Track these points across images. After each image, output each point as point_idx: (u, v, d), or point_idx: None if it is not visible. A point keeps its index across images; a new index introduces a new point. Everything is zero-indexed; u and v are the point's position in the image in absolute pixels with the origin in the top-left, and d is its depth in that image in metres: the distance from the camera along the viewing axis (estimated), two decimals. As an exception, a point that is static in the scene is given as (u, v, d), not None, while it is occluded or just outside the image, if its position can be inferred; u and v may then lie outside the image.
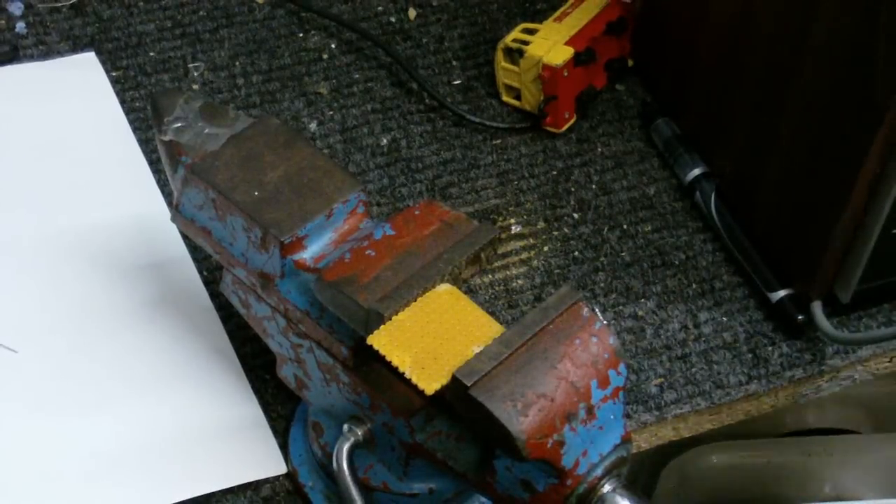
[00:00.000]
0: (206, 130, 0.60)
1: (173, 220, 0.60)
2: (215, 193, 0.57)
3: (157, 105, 0.63)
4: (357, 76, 0.88)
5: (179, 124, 0.61)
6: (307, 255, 0.57)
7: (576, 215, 0.81)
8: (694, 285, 0.77)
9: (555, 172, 0.83)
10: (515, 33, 0.85)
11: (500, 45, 0.85)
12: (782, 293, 0.75)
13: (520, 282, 0.77)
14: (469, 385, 0.50)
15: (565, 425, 0.49)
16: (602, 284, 0.77)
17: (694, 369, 0.73)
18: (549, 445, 0.49)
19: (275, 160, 0.58)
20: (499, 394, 0.49)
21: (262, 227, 0.56)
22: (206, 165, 0.58)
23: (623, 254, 0.79)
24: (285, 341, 0.60)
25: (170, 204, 0.76)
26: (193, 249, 0.75)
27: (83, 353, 0.70)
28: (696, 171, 0.81)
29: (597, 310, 0.75)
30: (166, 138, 0.61)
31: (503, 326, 0.53)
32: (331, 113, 0.85)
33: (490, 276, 0.77)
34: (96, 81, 0.85)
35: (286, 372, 0.61)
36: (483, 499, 0.60)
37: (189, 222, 0.60)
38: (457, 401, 0.51)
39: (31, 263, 0.74)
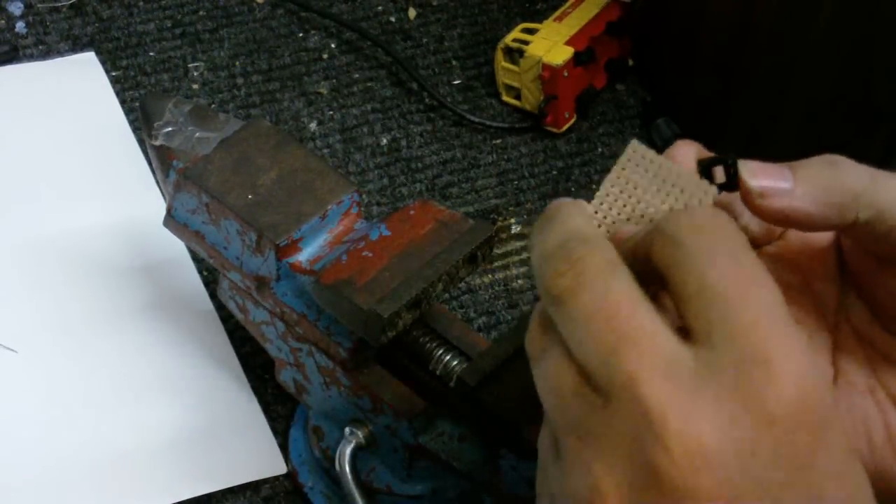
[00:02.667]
0: (197, 134, 0.60)
1: (166, 224, 0.60)
2: (208, 198, 0.57)
3: (146, 110, 0.63)
4: (357, 76, 0.88)
5: (169, 129, 0.61)
6: (303, 257, 0.57)
7: (576, 215, 0.80)
8: (694, 285, 0.77)
9: (555, 172, 0.83)
10: (515, 33, 0.85)
11: (500, 45, 0.85)
12: (782, 293, 0.74)
13: (520, 282, 0.77)
14: (473, 385, 0.50)
15: None
16: (602, 285, 0.77)
17: (694, 370, 0.73)
18: None
19: (267, 163, 0.58)
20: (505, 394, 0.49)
21: (257, 231, 0.56)
22: (198, 170, 0.58)
23: (623, 254, 0.79)
24: (284, 346, 0.60)
25: (169, 204, 0.76)
26: (193, 249, 0.75)
27: (83, 353, 0.70)
28: (697, 171, 0.81)
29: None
30: (157, 143, 0.61)
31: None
32: (331, 113, 0.85)
33: (490, 276, 0.77)
34: (96, 81, 0.85)
35: (285, 377, 0.61)
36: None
37: (182, 227, 0.60)
38: (461, 401, 0.51)
39: (31, 263, 0.74)
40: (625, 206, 0.41)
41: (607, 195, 0.41)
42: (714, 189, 0.41)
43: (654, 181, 0.41)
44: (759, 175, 0.41)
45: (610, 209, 0.41)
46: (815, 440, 0.35)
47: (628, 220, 0.41)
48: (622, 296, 0.37)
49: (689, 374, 0.36)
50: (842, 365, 0.45)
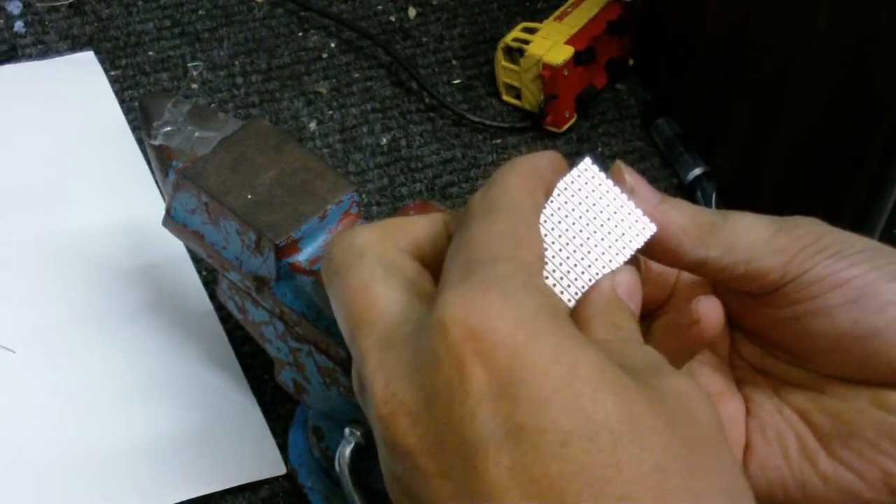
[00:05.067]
0: (196, 134, 0.60)
1: (165, 224, 0.60)
2: (208, 197, 0.57)
3: (145, 109, 0.63)
4: (357, 75, 0.88)
5: (169, 128, 0.61)
6: (302, 257, 0.57)
7: (576, 215, 0.80)
8: (694, 285, 0.77)
9: (555, 172, 0.83)
10: (515, 32, 0.85)
11: (501, 45, 0.85)
12: (783, 293, 0.74)
13: (519, 282, 0.77)
14: None
15: None
16: (602, 284, 0.77)
17: (694, 370, 0.73)
18: None
19: (266, 163, 0.58)
20: None
21: (257, 231, 0.56)
22: (197, 169, 0.58)
23: (623, 254, 0.78)
24: (284, 346, 0.60)
25: (168, 204, 0.76)
26: (192, 249, 0.75)
27: (82, 353, 0.70)
28: (697, 171, 0.81)
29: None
30: (156, 143, 0.61)
31: None
32: (330, 112, 0.85)
33: (490, 276, 0.77)
34: (95, 80, 0.85)
35: (285, 377, 0.61)
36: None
37: (181, 227, 0.60)
38: None
39: (30, 263, 0.74)
40: (560, 222, 0.42)
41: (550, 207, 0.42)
42: (652, 227, 0.43)
43: (596, 204, 0.42)
44: (635, 177, 0.44)
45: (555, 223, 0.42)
46: (485, 367, 0.34)
47: (560, 236, 0.42)
48: (359, 281, 0.38)
49: (403, 336, 0.36)
50: (747, 394, 0.47)
